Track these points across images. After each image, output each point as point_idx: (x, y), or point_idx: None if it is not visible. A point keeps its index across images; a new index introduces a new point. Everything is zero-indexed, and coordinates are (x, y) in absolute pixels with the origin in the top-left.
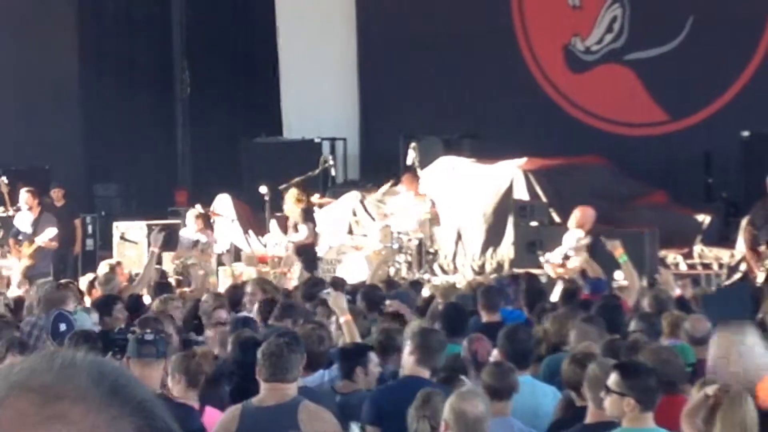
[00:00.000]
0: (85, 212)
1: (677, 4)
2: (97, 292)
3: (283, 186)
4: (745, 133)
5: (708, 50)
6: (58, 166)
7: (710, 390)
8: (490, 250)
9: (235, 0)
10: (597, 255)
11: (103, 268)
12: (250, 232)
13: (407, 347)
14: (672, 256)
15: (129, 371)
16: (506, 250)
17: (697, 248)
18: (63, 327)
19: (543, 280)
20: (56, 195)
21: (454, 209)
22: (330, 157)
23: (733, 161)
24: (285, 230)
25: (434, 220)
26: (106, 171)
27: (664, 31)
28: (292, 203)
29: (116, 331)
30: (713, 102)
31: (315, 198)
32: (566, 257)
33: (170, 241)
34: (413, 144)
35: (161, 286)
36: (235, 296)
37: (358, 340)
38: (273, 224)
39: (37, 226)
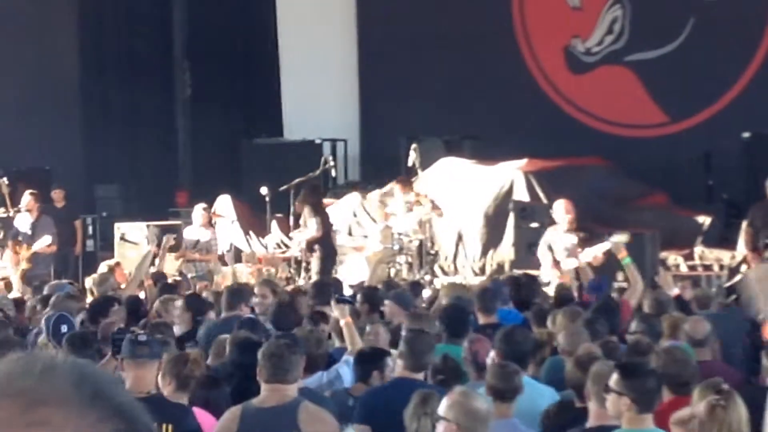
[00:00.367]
0: (85, 213)
1: (678, 5)
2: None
3: (283, 187)
4: (746, 134)
5: (709, 51)
6: (58, 167)
7: (713, 400)
8: (491, 251)
9: (236, 1)
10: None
11: (102, 268)
12: (251, 232)
13: (399, 350)
14: (672, 258)
15: (110, 374)
16: (507, 251)
17: (698, 249)
18: (65, 329)
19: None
20: (57, 196)
21: (454, 210)
22: (331, 158)
23: (733, 162)
24: (286, 231)
25: (435, 221)
26: (107, 172)
27: (665, 32)
28: (299, 201)
29: (116, 331)
30: (714, 103)
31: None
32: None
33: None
34: (414, 145)
35: (164, 287)
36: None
37: (359, 342)
38: (274, 225)
39: (36, 228)
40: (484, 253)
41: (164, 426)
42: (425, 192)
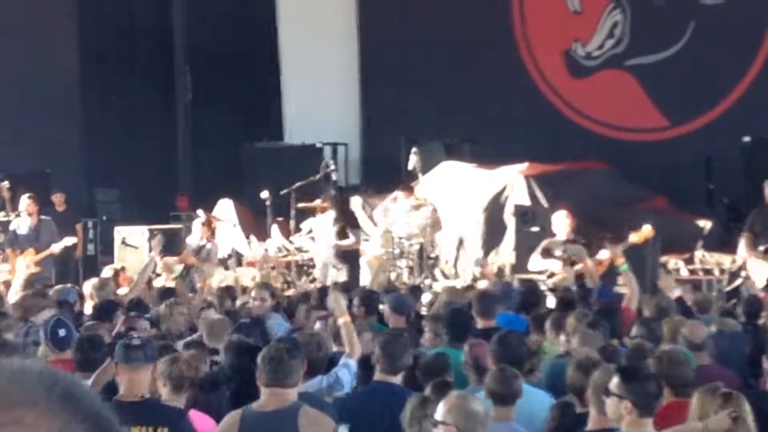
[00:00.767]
0: (86, 217)
1: (678, 9)
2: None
3: (284, 191)
4: (746, 139)
5: (709, 56)
6: (59, 171)
7: (731, 411)
8: (491, 255)
9: (236, 4)
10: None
11: (106, 273)
12: (252, 236)
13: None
14: (673, 262)
15: (81, 380)
16: (507, 255)
17: (698, 254)
18: (62, 333)
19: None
20: (58, 200)
21: (455, 214)
22: (331, 162)
23: (733, 167)
24: (287, 235)
25: (435, 225)
26: (107, 175)
27: (665, 36)
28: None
29: (116, 336)
30: (714, 107)
31: (316, 203)
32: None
33: (170, 245)
34: (414, 149)
35: (167, 292)
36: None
37: (357, 343)
38: (274, 229)
39: (38, 232)
40: (485, 257)
41: (159, 429)
42: (426, 196)
